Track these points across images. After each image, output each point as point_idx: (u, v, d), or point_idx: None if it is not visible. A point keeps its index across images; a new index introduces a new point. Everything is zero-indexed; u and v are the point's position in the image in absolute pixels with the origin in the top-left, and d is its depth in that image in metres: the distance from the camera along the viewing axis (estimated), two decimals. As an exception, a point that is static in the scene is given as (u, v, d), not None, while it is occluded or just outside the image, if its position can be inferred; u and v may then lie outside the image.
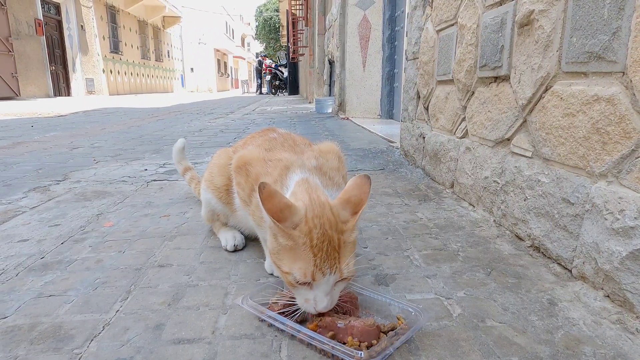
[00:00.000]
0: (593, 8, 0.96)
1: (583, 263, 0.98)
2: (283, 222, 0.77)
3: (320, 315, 0.80)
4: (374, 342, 0.74)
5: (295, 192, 0.89)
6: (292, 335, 0.79)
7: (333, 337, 0.75)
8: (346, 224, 0.80)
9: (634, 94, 0.85)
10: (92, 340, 0.81)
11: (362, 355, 0.69)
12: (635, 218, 0.82)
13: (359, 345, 0.73)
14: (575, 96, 1.02)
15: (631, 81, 0.86)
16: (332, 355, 0.73)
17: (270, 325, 0.84)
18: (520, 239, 1.26)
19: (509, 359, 0.74)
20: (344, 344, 0.74)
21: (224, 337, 0.82)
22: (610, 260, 0.88)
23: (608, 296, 0.90)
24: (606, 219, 0.90)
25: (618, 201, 0.87)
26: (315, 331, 0.77)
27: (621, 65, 0.89)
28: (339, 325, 0.77)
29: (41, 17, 12.92)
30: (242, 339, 0.81)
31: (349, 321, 0.77)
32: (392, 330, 0.79)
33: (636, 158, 0.85)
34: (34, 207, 1.69)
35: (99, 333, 0.83)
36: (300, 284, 0.77)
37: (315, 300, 0.78)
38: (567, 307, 0.90)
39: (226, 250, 1.24)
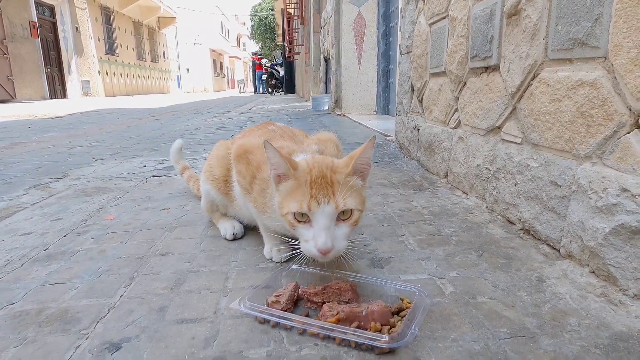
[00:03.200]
0: (576, -4, 1.00)
1: (570, 242, 1.01)
2: (294, 169, 0.87)
3: (335, 314, 0.78)
4: (391, 321, 0.77)
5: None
6: (304, 330, 0.78)
7: (358, 327, 0.76)
8: (340, 168, 0.89)
9: (615, 78, 0.89)
10: (98, 322, 0.84)
11: (387, 338, 0.71)
12: (617, 195, 0.86)
13: (380, 330, 0.75)
14: (561, 82, 1.06)
15: (612, 65, 0.90)
16: (356, 343, 0.74)
17: (277, 324, 0.81)
18: (512, 222, 1.30)
19: (498, 330, 0.78)
20: (366, 329, 0.75)
21: (226, 317, 0.85)
22: (595, 237, 0.91)
23: (593, 272, 0.94)
24: (591, 198, 0.93)
25: (602, 180, 0.91)
26: (338, 324, 0.76)
27: (603, 50, 0.93)
28: (363, 313, 0.77)
29: (36, 20, 12.89)
30: (242, 318, 0.84)
31: (368, 307, 0.78)
32: (400, 310, 0.82)
33: (618, 139, 0.89)
34: (35, 203, 1.72)
35: (105, 315, 0.86)
36: (298, 220, 0.84)
37: (315, 238, 0.82)
38: (555, 284, 0.94)
39: (225, 239, 1.27)
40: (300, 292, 0.89)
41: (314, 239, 0.81)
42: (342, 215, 0.86)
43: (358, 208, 0.87)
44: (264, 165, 1.03)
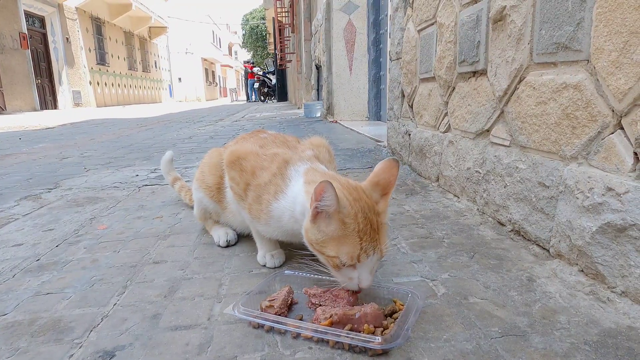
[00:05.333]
0: (559, 1, 1.03)
1: (559, 242, 1.03)
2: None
3: (328, 317, 0.79)
4: (384, 323, 0.78)
5: (315, 180, 0.91)
6: (298, 334, 0.78)
7: (351, 329, 0.76)
8: (379, 206, 0.85)
9: (597, 80, 0.91)
10: (91, 330, 0.84)
11: (380, 340, 0.71)
12: (602, 195, 0.88)
13: (374, 332, 0.76)
14: (546, 85, 1.08)
15: (594, 68, 0.92)
16: (349, 345, 0.74)
17: (271, 329, 0.81)
18: (502, 224, 1.31)
19: (490, 329, 0.79)
20: (360, 332, 0.75)
21: (220, 323, 0.85)
22: (583, 236, 0.93)
23: (582, 270, 0.95)
24: (577, 198, 0.95)
25: (587, 180, 0.93)
26: (331, 327, 0.77)
27: (585, 53, 0.95)
28: (356, 316, 0.78)
29: (26, 31, 12.85)
30: (236, 324, 0.84)
31: (361, 310, 0.79)
32: (393, 312, 0.83)
33: (602, 139, 0.91)
34: (26, 214, 1.70)
35: (98, 324, 0.86)
36: (345, 266, 0.82)
37: (360, 278, 0.82)
38: (545, 283, 0.95)
39: (219, 246, 1.27)
40: (303, 291, 0.90)
41: (359, 279, 0.83)
42: None
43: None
44: (259, 171, 1.02)
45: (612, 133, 0.88)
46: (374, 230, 0.83)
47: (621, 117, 0.86)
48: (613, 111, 0.88)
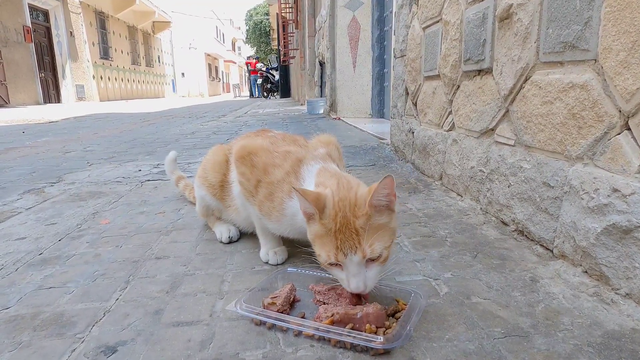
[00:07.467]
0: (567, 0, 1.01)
1: (563, 242, 1.02)
2: (321, 212, 0.82)
3: (329, 316, 0.79)
4: (386, 323, 0.78)
5: (323, 182, 0.91)
6: (300, 332, 0.79)
7: (352, 329, 0.76)
8: (360, 210, 0.82)
9: (605, 80, 0.90)
10: (93, 325, 0.84)
11: (382, 339, 0.71)
12: (608, 196, 0.87)
13: (376, 332, 0.76)
14: (553, 84, 1.07)
15: (602, 67, 0.91)
16: (351, 344, 0.74)
17: (273, 326, 0.81)
18: (505, 224, 1.31)
19: (492, 330, 0.78)
20: (362, 331, 0.75)
21: (222, 319, 0.85)
22: (587, 237, 0.93)
23: (586, 271, 0.95)
24: (582, 199, 0.95)
25: (593, 181, 0.92)
26: (332, 326, 0.76)
27: (593, 53, 0.94)
28: (358, 315, 0.78)
29: (29, 24, 12.84)
30: (238, 320, 0.84)
31: (363, 309, 0.79)
32: (396, 312, 0.82)
33: (608, 140, 0.90)
34: (29, 208, 1.71)
35: (100, 319, 0.86)
36: (330, 264, 0.82)
37: (348, 280, 0.81)
38: (548, 284, 0.95)
39: (221, 242, 1.27)
40: (309, 287, 0.90)
41: (347, 281, 0.82)
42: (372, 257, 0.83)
43: (386, 247, 0.82)
44: (271, 168, 1.02)
45: (619, 134, 0.87)
46: (351, 230, 0.80)
47: (628, 117, 0.85)
48: (620, 112, 0.87)
